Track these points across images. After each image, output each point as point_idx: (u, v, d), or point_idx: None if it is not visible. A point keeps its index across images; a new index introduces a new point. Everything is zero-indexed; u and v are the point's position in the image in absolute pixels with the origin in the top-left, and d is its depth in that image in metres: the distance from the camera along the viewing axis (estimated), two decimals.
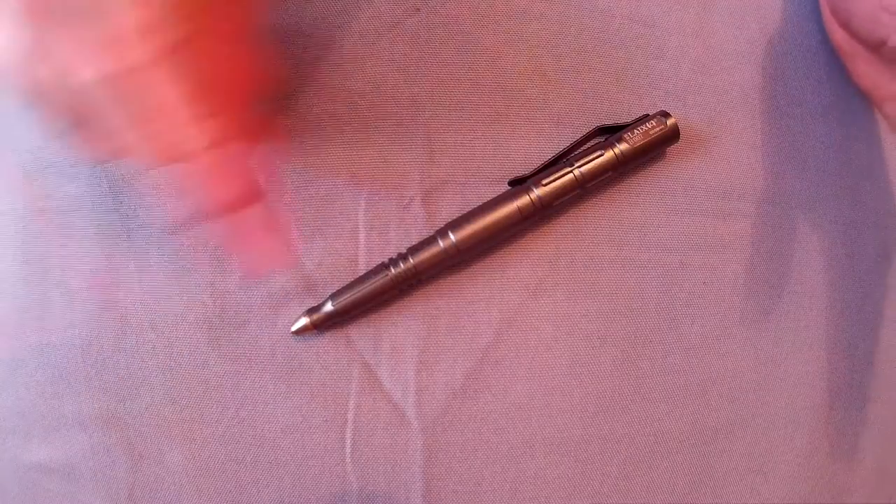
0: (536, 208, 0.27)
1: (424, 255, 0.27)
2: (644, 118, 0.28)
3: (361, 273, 0.27)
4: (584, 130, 0.28)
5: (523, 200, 0.27)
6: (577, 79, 0.29)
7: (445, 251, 0.27)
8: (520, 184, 0.28)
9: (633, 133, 0.28)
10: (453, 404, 0.28)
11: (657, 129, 0.28)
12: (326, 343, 0.28)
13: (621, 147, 0.28)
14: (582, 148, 0.28)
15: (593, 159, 0.27)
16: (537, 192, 0.27)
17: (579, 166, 0.27)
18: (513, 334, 0.28)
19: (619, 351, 0.29)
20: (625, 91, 0.29)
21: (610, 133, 0.28)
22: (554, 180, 0.27)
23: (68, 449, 0.28)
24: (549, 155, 0.28)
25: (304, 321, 0.27)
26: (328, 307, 0.27)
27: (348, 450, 0.28)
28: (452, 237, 0.27)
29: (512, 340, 0.28)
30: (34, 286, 0.27)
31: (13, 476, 0.29)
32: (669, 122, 0.28)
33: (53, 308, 0.27)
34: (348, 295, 0.27)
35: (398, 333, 0.28)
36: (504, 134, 0.29)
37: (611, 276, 0.29)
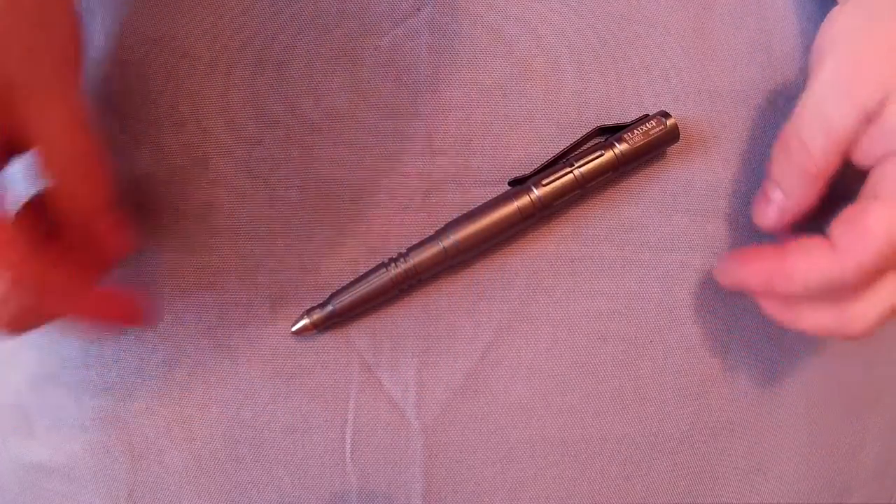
0: (536, 208, 0.27)
1: (424, 255, 0.27)
2: (644, 118, 0.28)
3: (361, 273, 0.27)
4: (584, 130, 0.28)
5: (523, 200, 0.27)
6: (577, 79, 0.29)
7: (445, 251, 0.27)
8: (520, 184, 0.28)
9: (633, 133, 0.28)
10: (453, 404, 0.28)
11: (657, 129, 0.28)
12: (326, 343, 0.28)
13: (621, 147, 0.28)
14: (582, 148, 0.28)
15: (593, 159, 0.27)
16: (537, 193, 0.27)
17: (579, 166, 0.27)
18: (513, 334, 0.28)
19: (619, 351, 0.29)
20: (625, 91, 0.29)
21: (610, 133, 0.28)
22: (554, 180, 0.27)
23: (68, 449, 0.28)
24: (549, 155, 0.28)
25: (304, 321, 0.27)
26: (328, 307, 0.27)
27: (348, 450, 0.28)
28: (452, 237, 0.27)
29: (512, 340, 0.28)
30: None
31: (13, 476, 0.29)
32: (669, 122, 0.28)
33: None
34: (348, 295, 0.27)
35: (398, 333, 0.28)
36: (504, 134, 0.29)
37: (611, 276, 0.29)
